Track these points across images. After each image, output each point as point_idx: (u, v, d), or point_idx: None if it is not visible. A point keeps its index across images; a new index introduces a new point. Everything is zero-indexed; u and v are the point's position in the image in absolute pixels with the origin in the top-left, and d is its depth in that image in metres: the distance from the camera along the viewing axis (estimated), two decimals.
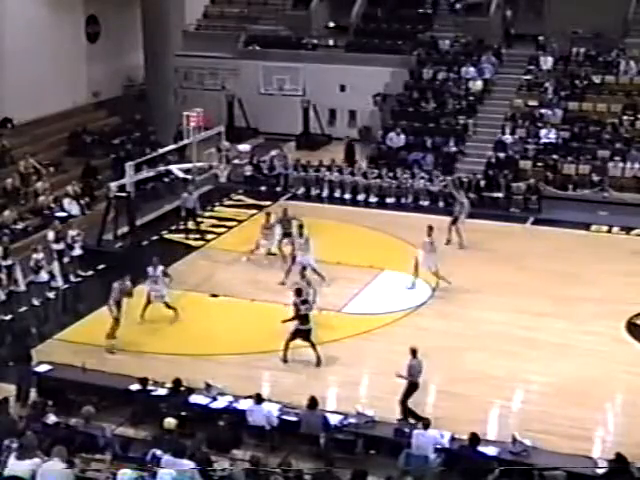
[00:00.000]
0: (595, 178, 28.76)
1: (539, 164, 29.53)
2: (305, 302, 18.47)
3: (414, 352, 16.07)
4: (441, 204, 28.17)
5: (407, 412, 15.93)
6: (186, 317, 20.15)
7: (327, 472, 12.97)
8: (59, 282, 22.27)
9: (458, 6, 35.98)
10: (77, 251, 22.91)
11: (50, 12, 31.05)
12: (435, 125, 31.83)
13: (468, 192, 27.86)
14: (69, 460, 11.19)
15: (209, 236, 25.73)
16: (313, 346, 18.25)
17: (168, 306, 20.11)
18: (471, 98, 32.53)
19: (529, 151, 30.05)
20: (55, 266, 22.25)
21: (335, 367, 18.32)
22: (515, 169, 29.37)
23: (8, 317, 20.67)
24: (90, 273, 23.12)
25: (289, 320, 18.48)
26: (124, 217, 24.79)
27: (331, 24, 37.56)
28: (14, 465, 10.99)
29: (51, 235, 22.79)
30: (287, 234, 23.20)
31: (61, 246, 22.67)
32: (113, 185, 24.70)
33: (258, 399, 15.40)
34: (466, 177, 28.78)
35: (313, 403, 15.20)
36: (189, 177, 26.73)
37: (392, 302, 21.27)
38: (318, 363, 18.19)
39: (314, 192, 29.73)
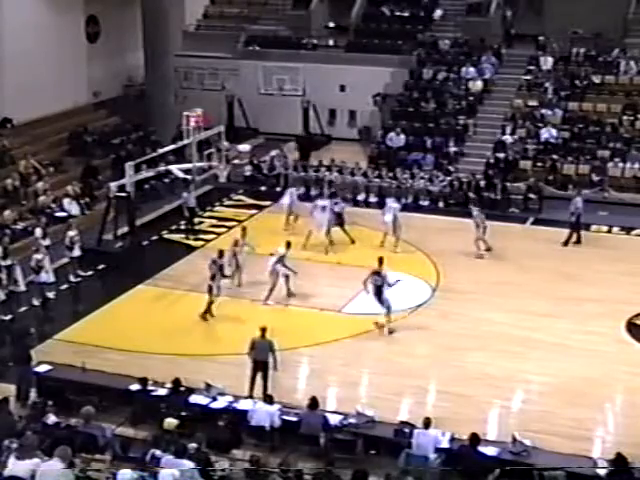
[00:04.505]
0: (595, 178, 28.76)
1: (539, 164, 29.53)
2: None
3: (263, 331, 16.91)
4: (441, 204, 28.21)
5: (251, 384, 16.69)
6: (186, 317, 20.14)
7: (327, 472, 12.95)
8: (51, 277, 22.16)
9: None
10: (77, 251, 22.90)
11: (50, 12, 31.03)
12: (435, 125, 31.78)
13: (468, 192, 27.94)
14: (71, 461, 11.18)
15: (209, 236, 25.72)
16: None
17: None
18: (471, 98, 32.48)
19: (529, 151, 30.05)
20: (46, 261, 22.09)
21: (335, 367, 18.33)
22: (515, 169, 29.38)
23: (8, 317, 20.69)
24: (90, 273, 23.14)
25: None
26: (124, 217, 24.79)
27: (331, 24, 37.51)
28: (14, 465, 10.98)
29: (38, 232, 23.00)
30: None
31: (47, 242, 22.79)
32: (113, 185, 24.70)
33: (269, 400, 15.40)
34: (466, 177, 28.79)
35: (313, 403, 15.19)
36: (189, 177, 26.73)
37: (392, 302, 21.22)
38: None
39: (314, 192, 29.74)
